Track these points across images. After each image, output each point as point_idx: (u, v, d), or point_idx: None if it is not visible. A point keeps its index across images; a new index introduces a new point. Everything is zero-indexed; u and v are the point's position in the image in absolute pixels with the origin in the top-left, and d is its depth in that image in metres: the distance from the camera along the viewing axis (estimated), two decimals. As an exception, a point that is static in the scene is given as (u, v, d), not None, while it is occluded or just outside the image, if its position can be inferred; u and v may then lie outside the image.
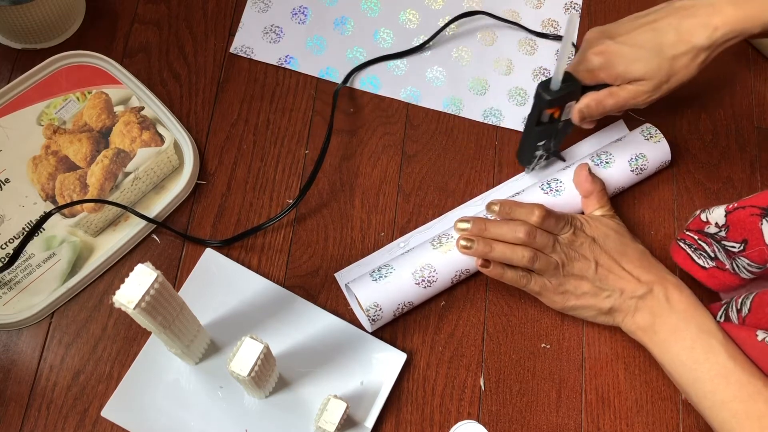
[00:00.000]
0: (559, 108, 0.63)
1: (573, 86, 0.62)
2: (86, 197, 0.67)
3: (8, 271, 0.64)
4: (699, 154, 0.74)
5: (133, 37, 0.75)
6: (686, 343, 0.59)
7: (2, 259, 0.64)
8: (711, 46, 0.59)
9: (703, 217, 0.62)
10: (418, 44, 0.77)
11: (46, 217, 0.64)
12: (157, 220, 0.67)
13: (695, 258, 0.65)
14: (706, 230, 0.62)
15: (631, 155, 0.68)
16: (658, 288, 0.62)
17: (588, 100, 0.63)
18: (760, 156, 0.75)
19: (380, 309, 0.62)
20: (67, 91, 0.71)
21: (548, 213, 0.62)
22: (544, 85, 0.62)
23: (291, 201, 0.70)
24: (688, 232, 0.65)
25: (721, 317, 0.62)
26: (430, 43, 0.77)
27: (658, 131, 0.70)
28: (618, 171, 0.68)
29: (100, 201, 0.66)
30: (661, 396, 0.65)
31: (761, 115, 0.77)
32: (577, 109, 0.64)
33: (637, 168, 0.69)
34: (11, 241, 0.65)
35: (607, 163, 0.68)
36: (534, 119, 0.64)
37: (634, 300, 0.62)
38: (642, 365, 0.65)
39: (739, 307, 0.60)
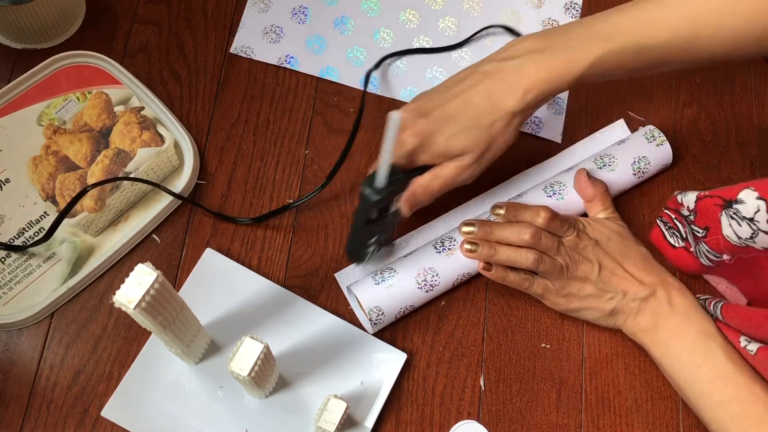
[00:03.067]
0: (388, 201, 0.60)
1: (399, 180, 0.58)
2: (86, 198, 0.67)
3: (9, 270, 0.64)
4: (699, 154, 0.74)
5: (133, 37, 0.75)
6: (686, 346, 0.60)
7: (2, 259, 0.64)
8: (524, 110, 0.59)
9: (678, 198, 0.64)
10: (455, 43, 0.77)
11: (59, 220, 0.63)
12: (181, 201, 0.67)
13: (668, 236, 0.67)
14: (681, 211, 0.64)
15: (634, 158, 0.69)
16: (660, 290, 0.62)
17: (414, 188, 0.60)
18: (760, 156, 0.75)
19: (382, 313, 0.62)
20: (67, 91, 0.71)
21: (554, 215, 0.62)
22: (369, 182, 0.57)
23: (291, 201, 0.70)
24: (666, 210, 0.66)
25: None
26: (431, 42, 0.77)
27: (661, 133, 0.70)
28: (621, 174, 0.68)
29: (119, 179, 0.66)
30: (661, 396, 0.65)
31: (761, 115, 0.77)
32: (404, 200, 0.60)
33: (639, 171, 0.69)
34: (11, 240, 0.65)
35: (609, 166, 0.68)
36: (362, 218, 0.60)
37: (637, 302, 0.62)
38: (642, 365, 0.65)
39: (712, 310, 0.62)
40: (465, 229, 0.62)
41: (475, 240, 0.62)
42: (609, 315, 0.63)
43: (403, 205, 0.61)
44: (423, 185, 0.60)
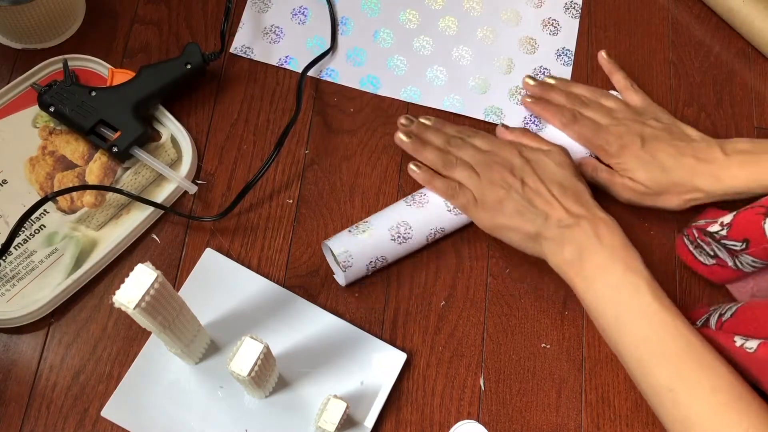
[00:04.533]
0: None
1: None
2: (86, 195, 0.67)
3: (11, 267, 0.64)
4: (699, 154, 0.74)
5: (133, 37, 0.75)
6: (612, 281, 0.58)
7: (3, 258, 0.64)
8: (711, 195, 0.64)
9: (710, 215, 0.63)
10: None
11: (41, 203, 0.64)
12: (164, 206, 0.68)
13: (696, 255, 0.65)
14: (708, 229, 0.62)
15: None
16: (586, 222, 0.60)
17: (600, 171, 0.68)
18: (760, 156, 0.75)
19: (351, 256, 0.63)
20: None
21: (467, 129, 0.69)
22: None
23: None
24: (693, 228, 0.65)
25: (700, 323, 0.62)
26: (431, 42, 0.77)
27: None
28: None
29: (97, 187, 0.66)
30: (661, 396, 0.65)
31: (761, 115, 0.77)
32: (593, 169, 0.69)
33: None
34: (11, 239, 0.65)
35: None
36: None
37: (561, 230, 0.60)
38: (642, 365, 0.65)
39: (723, 311, 0.60)
40: (402, 121, 0.70)
41: (409, 132, 0.69)
42: (531, 239, 0.62)
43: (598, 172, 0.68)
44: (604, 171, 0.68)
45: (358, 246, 0.63)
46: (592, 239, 0.59)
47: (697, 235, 0.64)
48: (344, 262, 0.63)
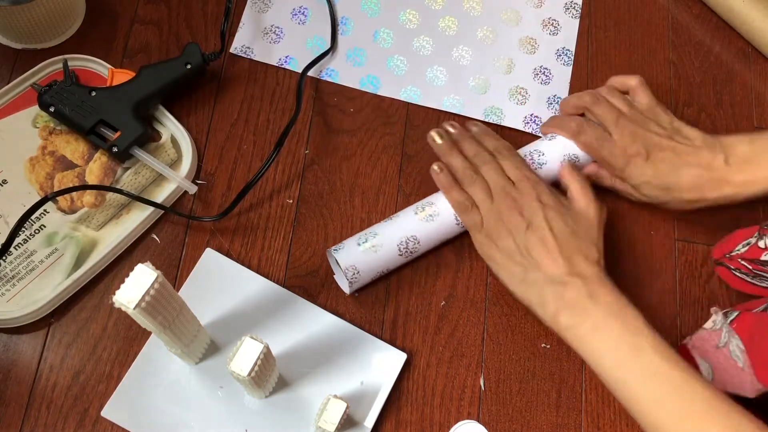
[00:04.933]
0: None
1: None
2: (86, 195, 0.67)
3: (11, 268, 0.64)
4: (699, 154, 0.74)
5: (133, 37, 0.75)
6: (611, 343, 0.55)
7: (3, 258, 0.64)
8: (716, 201, 0.64)
9: (761, 244, 0.62)
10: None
11: (41, 203, 0.64)
12: (165, 205, 0.68)
13: (756, 282, 0.65)
14: (762, 258, 0.62)
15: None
16: (580, 281, 0.57)
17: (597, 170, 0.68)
18: (760, 156, 0.75)
19: (358, 272, 0.63)
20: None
21: (511, 151, 0.66)
22: None
23: (291, 201, 0.70)
24: (742, 261, 0.64)
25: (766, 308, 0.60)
26: (431, 42, 0.77)
27: None
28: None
29: (97, 187, 0.66)
30: (661, 396, 0.65)
31: (761, 115, 0.77)
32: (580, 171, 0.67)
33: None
34: (11, 239, 0.65)
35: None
36: None
37: (551, 286, 0.58)
38: (642, 365, 0.65)
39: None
40: (448, 128, 0.68)
41: (443, 134, 0.67)
42: (520, 282, 0.60)
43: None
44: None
45: (366, 262, 0.63)
46: (584, 299, 0.56)
47: (752, 267, 0.64)
48: (352, 278, 0.63)
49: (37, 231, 0.66)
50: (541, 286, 0.58)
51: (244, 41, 0.76)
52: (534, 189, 0.62)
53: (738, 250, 0.65)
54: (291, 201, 0.70)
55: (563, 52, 0.78)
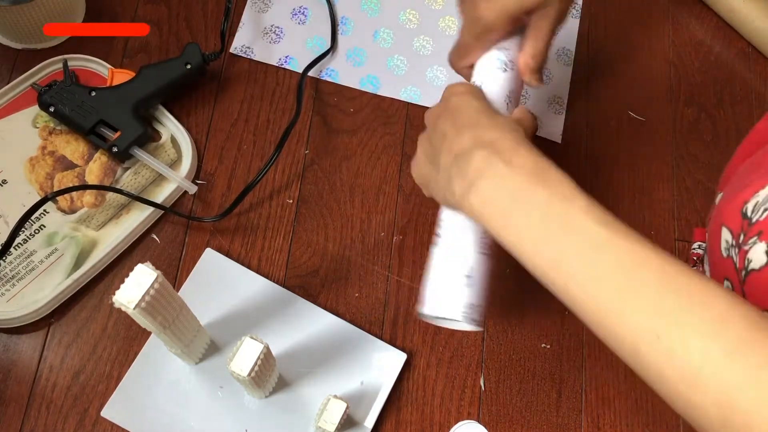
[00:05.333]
0: None
1: None
2: (86, 195, 0.67)
3: (11, 268, 0.64)
4: (699, 154, 0.74)
5: (133, 37, 0.75)
6: (535, 214, 0.43)
7: (3, 258, 0.64)
8: None
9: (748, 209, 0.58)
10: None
11: (41, 203, 0.64)
12: (164, 205, 0.67)
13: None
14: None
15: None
16: (487, 148, 0.46)
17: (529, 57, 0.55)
18: (760, 156, 0.75)
19: (479, 305, 0.53)
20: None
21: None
22: None
23: (291, 201, 0.70)
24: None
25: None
26: (431, 42, 0.77)
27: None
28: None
29: (97, 187, 0.66)
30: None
31: (761, 115, 0.77)
32: (531, 71, 0.55)
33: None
34: (11, 239, 0.65)
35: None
36: None
37: (458, 162, 0.47)
38: (642, 365, 0.65)
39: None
40: None
41: None
42: (432, 180, 0.51)
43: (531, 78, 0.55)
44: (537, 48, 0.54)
45: (471, 293, 0.52)
46: (499, 167, 0.45)
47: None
48: (474, 318, 0.52)
49: (37, 231, 0.66)
50: (449, 169, 0.47)
51: (244, 41, 0.76)
52: (441, 101, 0.53)
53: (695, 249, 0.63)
54: (291, 201, 0.70)
55: (563, 52, 0.78)
